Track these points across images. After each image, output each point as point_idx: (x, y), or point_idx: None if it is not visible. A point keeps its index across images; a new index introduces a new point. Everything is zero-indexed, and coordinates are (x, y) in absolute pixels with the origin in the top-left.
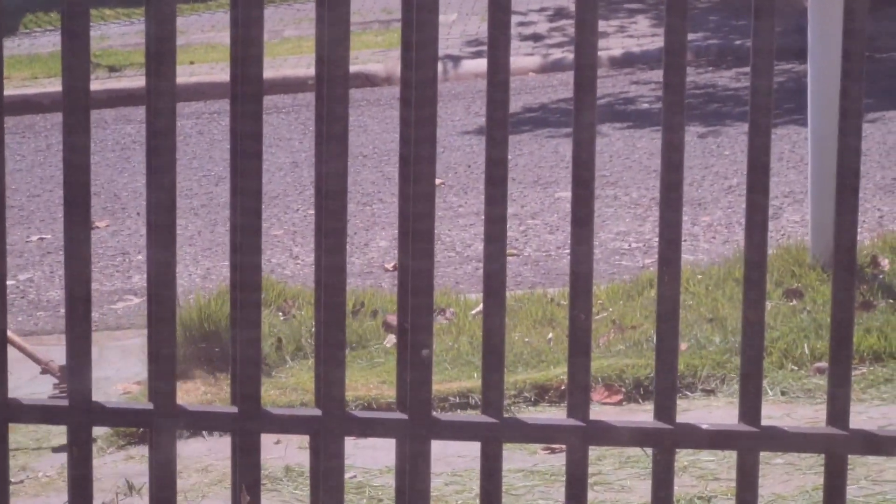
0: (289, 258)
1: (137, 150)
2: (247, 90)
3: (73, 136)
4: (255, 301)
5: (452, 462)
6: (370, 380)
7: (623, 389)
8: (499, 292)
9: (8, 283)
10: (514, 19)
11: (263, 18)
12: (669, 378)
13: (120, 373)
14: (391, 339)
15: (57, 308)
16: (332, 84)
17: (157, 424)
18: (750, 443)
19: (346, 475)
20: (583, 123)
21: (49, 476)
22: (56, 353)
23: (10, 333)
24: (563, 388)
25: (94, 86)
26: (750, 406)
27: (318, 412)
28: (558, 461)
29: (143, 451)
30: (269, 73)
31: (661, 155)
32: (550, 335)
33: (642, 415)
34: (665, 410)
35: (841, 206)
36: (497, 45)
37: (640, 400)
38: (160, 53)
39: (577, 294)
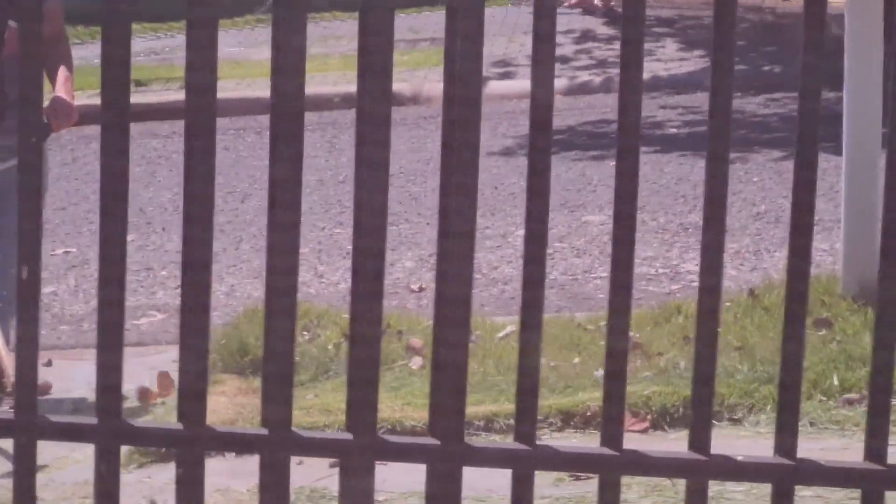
0: (314, 277)
1: (163, 165)
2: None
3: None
4: (289, 328)
5: (476, 486)
6: (395, 402)
7: (649, 417)
8: (536, 321)
9: None
10: None
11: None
12: (705, 410)
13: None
14: (417, 361)
15: (80, 322)
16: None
17: (185, 445)
18: (786, 477)
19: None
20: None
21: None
22: (79, 368)
23: None
24: (588, 413)
25: None
26: (786, 440)
27: (349, 436)
28: (585, 488)
29: (165, 469)
30: None
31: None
32: (576, 360)
33: (669, 443)
34: (699, 442)
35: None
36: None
37: (667, 428)
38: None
39: (615, 322)
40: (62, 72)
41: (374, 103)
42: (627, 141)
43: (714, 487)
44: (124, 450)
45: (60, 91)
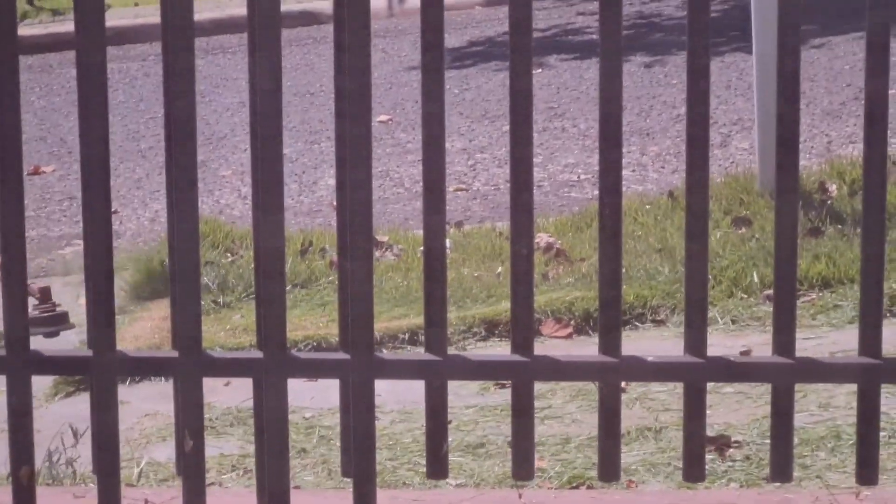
0: (237, 199)
1: None
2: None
3: None
4: (192, 234)
5: (403, 398)
6: (319, 319)
7: (573, 322)
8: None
9: None
10: None
11: None
12: (613, 313)
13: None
14: None
15: None
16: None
17: (96, 371)
18: (696, 375)
19: (300, 415)
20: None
21: None
22: None
23: None
24: None
25: (38, 30)
26: (695, 337)
27: (259, 355)
28: (510, 395)
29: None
30: (214, 13)
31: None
32: (500, 269)
33: (592, 347)
34: (610, 343)
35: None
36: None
37: (591, 332)
38: None
39: (519, 228)
40: None
41: None
42: (521, 40)
43: (638, 389)
44: (49, 380)
45: None
